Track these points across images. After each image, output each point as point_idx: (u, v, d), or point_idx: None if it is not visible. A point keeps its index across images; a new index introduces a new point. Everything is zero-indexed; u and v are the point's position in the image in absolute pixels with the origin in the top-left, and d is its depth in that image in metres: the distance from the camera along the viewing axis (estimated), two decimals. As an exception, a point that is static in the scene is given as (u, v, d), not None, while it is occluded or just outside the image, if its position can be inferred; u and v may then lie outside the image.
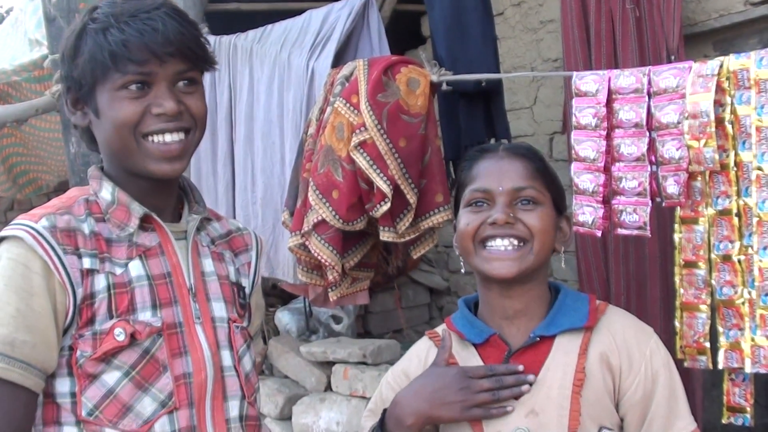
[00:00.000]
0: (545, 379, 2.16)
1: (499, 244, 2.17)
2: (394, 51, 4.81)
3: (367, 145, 3.82)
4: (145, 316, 1.91)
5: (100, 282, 1.89)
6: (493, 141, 4.60)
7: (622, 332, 2.19)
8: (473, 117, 4.48)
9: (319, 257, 4.01)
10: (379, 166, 3.80)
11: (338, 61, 4.57)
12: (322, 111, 4.17)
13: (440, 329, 2.41)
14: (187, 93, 1.98)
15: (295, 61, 4.77)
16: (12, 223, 1.90)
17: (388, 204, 3.83)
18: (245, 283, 2.22)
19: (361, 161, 3.83)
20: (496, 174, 2.22)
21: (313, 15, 4.93)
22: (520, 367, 2.13)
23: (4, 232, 1.87)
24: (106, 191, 1.99)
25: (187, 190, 2.17)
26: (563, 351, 2.17)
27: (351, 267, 4.18)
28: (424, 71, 3.95)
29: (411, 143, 3.86)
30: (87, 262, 1.88)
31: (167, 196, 2.09)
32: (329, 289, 4.20)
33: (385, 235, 3.93)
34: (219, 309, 2.07)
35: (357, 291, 4.32)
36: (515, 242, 2.17)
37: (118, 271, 1.92)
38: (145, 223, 2.00)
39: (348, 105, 3.93)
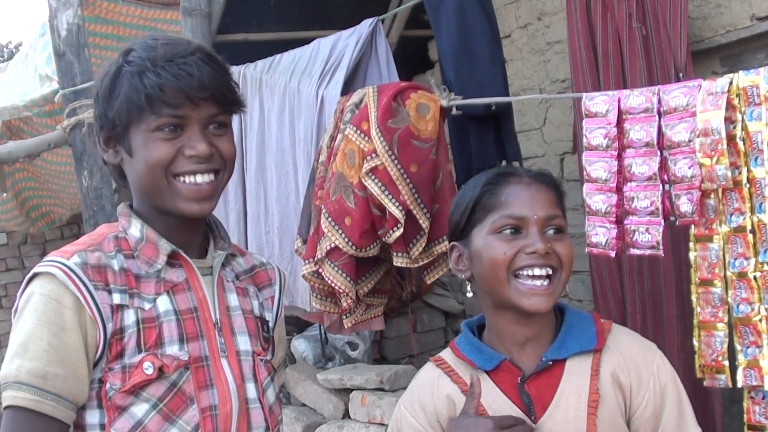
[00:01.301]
0: (560, 403, 2.15)
1: (537, 274, 2.13)
2: (402, 76, 4.83)
3: (379, 171, 3.84)
4: (172, 349, 1.96)
5: (129, 317, 1.94)
6: (504, 163, 4.61)
7: (628, 350, 2.20)
8: (484, 140, 4.48)
9: (333, 284, 4.02)
10: (390, 191, 3.81)
11: (347, 88, 4.60)
12: (332, 138, 4.19)
13: (445, 354, 2.38)
14: (217, 135, 2.02)
15: (305, 89, 4.80)
16: (44, 260, 1.95)
17: (401, 229, 3.84)
18: (269, 317, 2.26)
19: (373, 187, 3.84)
20: (528, 201, 2.18)
21: (321, 44, 4.96)
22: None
23: (37, 269, 1.93)
24: (135, 228, 2.05)
25: (213, 226, 2.21)
26: (575, 373, 2.17)
27: (365, 293, 4.19)
28: (434, 96, 3.97)
29: (422, 168, 3.87)
30: (117, 298, 1.93)
31: (194, 232, 2.13)
32: (344, 316, 4.21)
33: (399, 261, 3.94)
34: (244, 342, 2.11)
35: (372, 317, 4.33)
36: (550, 272, 2.15)
37: (147, 306, 1.97)
38: (172, 260, 2.05)
39: (358, 132, 3.95)
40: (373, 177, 3.85)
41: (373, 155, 3.85)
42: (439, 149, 3.94)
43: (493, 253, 2.17)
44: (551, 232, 2.17)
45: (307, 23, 6.06)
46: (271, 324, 2.27)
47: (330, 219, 3.98)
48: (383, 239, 3.93)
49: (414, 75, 7.21)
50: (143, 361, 1.91)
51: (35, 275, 1.93)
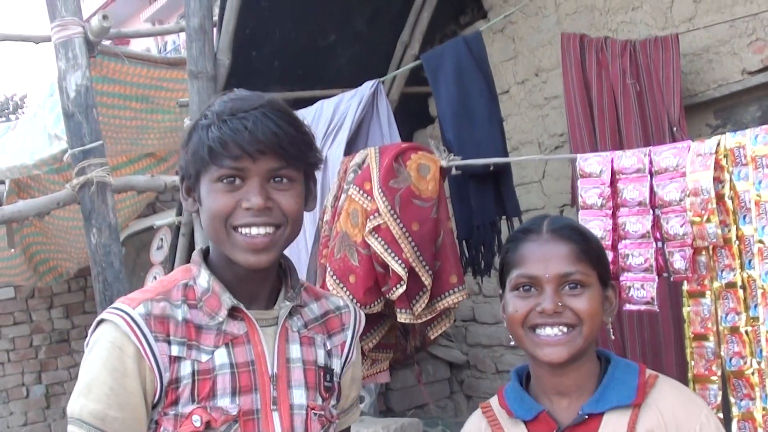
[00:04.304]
0: None
1: (549, 333, 2.16)
2: (404, 131, 4.95)
3: (381, 229, 3.93)
4: (223, 402, 2.01)
5: (185, 368, 2.00)
6: (503, 218, 4.71)
7: (671, 408, 2.13)
8: (484, 197, 4.58)
9: (339, 340, 4.09)
10: (393, 249, 3.90)
11: (350, 148, 4.70)
12: (336, 198, 4.29)
13: (493, 400, 2.39)
14: (279, 190, 2.04)
15: (309, 149, 4.90)
16: (114, 305, 2.04)
17: (404, 286, 3.92)
18: (335, 364, 2.26)
19: (376, 246, 3.93)
20: (541, 259, 2.20)
21: (324, 105, 5.08)
22: None
23: (105, 315, 2.01)
24: (203, 278, 2.10)
25: (288, 273, 2.22)
26: (612, 429, 2.13)
27: (370, 349, 4.25)
28: (434, 157, 4.07)
29: (424, 227, 3.96)
30: (175, 350, 2.00)
31: (262, 282, 2.16)
32: (350, 371, 4.26)
33: (403, 317, 4.01)
34: (299, 396, 2.12)
35: (378, 371, 4.39)
36: (564, 329, 2.16)
37: (204, 358, 2.02)
38: (234, 312, 2.08)
39: (361, 192, 4.05)
40: (376, 236, 3.93)
41: (376, 215, 3.94)
42: (440, 208, 4.03)
43: (511, 310, 2.22)
44: (568, 287, 2.17)
45: (310, 83, 6.16)
46: (337, 371, 2.26)
47: (335, 277, 4.06)
48: (387, 296, 4.01)
49: (415, 130, 7.33)
50: (193, 413, 1.98)
51: (102, 320, 2.02)
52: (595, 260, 2.23)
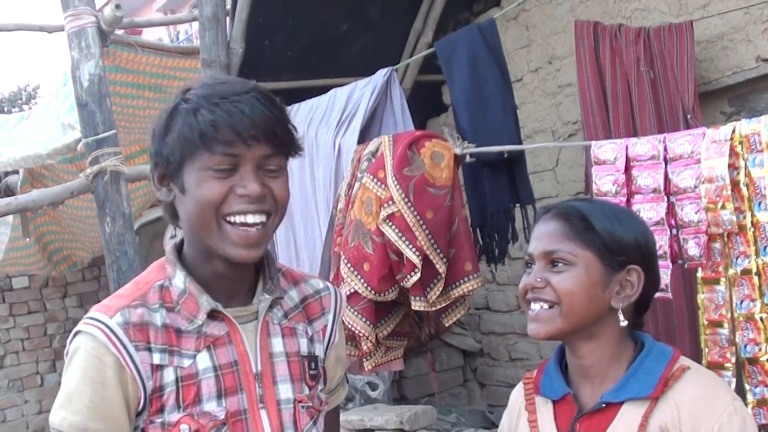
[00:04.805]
0: None
1: (533, 308, 2.19)
2: (417, 119, 4.93)
3: (396, 217, 3.94)
4: (210, 406, 1.98)
5: (168, 375, 1.96)
6: (518, 206, 4.71)
7: (690, 403, 2.03)
8: (498, 184, 4.57)
9: (353, 328, 4.09)
10: (407, 237, 3.91)
11: (364, 136, 4.70)
12: (350, 186, 4.30)
13: (536, 373, 2.37)
14: (271, 177, 2.00)
15: (322, 138, 4.91)
16: (89, 315, 1.99)
17: (418, 274, 3.93)
18: (319, 350, 2.23)
19: (390, 233, 3.93)
20: (536, 237, 2.24)
21: (337, 93, 5.07)
22: None
23: (81, 327, 1.97)
24: (179, 279, 2.04)
25: (265, 265, 2.16)
26: (626, 420, 2.09)
27: (384, 336, 4.26)
28: (448, 144, 4.07)
29: (438, 214, 3.97)
30: (157, 358, 1.95)
31: (241, 277, 2.11)
32: (364, 359, 4.27)
33: (417, 305, 4.02)
34: (285, 390, 2.10)
35: (392, 359, 4.40)
36: (545, 306, 2.16)
37: (186, 363, 1.98)
38: (214, 312, 2.03)
39: (375, 180, 4.05)
40: (390, 223, 3.94)
41: (390, 202, 3.94)
42: (454, 196, 4.03)
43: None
44: (551, 265, 2.17)
45: (323, 72, 6.17)
46: (321, 356, 2.24)
47: (349, 265, 4.07)
48: (401, 284, 4.01)
49: (428, 118, 7.33)
50: (180, 422, 1.95)
51: (79, 332, 1.97)
52: (596, 241, 2.16)
